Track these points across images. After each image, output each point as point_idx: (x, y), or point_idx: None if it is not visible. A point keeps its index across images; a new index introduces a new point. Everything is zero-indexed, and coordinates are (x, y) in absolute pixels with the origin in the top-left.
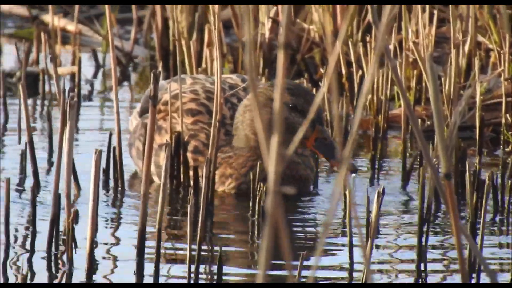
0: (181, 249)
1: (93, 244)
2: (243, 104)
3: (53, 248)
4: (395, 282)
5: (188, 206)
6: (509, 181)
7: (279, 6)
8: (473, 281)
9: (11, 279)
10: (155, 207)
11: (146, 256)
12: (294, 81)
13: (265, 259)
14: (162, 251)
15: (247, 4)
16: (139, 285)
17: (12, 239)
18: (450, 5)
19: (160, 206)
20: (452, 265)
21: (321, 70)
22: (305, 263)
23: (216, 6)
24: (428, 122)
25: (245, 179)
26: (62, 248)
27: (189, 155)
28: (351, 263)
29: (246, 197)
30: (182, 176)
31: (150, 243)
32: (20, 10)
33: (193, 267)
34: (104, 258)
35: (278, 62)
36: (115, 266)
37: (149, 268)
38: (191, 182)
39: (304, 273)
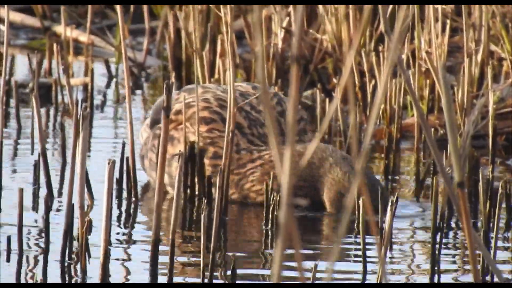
0: (195, 259)
1: (107, 254)
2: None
3: (66, 258)
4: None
5: (202, 216)
6: None
7: (292, 16)
8: None
9: None
10: (169, 217)
11: (159, 266)
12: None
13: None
14: (175, 261)
15: (259, 4)
16: None
17: (25, 249)
18: (463, 14)
19: (173, 216)
20: (466, 275)
21: (334, 80)
22: (318, 274)
23: (229, 17)
24: (441, 131)
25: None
26: (75, 258)
27: (206, 161)
28: (365, 271)
29: (259, 207)
30: (196, 186)
31: (164, 253)
32: (32, 21)
33: (206, 277)
34: (117, 268)
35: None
36: (129, 276)
37: (162, 278)
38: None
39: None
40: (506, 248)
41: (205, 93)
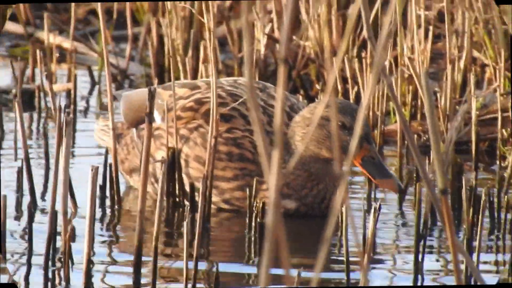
0: (178, 266)
1: (90, 261)
2: (295, 120)
3: (50, 265)
4: None
5: (185, 223)
6: (506, 197)
7: (275, 23)
8: None
9: None
10: (152, 223)
11: (143, 273)
12: (342, 99)
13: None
14: (159, 268)
15: None
16: None
17: (8, 256)
18: (446, 21)
19: (156, 223)
20: (449, 281)
21: (317, 86)
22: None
23: (212, 23)
24: (424, 138)
25: (306, 201)
26: (59, 265)
27: (232, 164)
28: (348, 279)
29: (241, 214)
30: (178, 192)
31: (147, 260)
32: (15, 27)
33: (190, 285)
34: (101, 275)
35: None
36: (112, 283)
37: (146, 286)
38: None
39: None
40: (489, 256)
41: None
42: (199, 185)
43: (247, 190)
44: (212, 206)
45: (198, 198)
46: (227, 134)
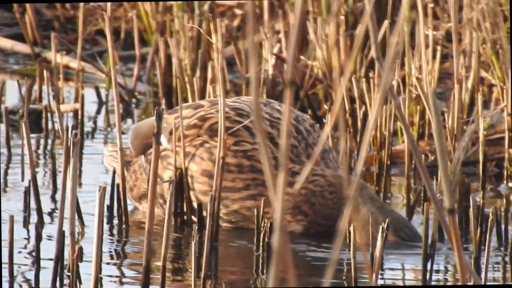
0: (187, 285)
1: (98, 281)
2: None
3: (57, 285)
4: None
5: (192, 243)
6: None
7: (283, 43)
8: None
9: None
10: (160, 244)
11: None
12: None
13: None
14: (167, 286)
15: None
16: None
17: (16, 276)
18: (454, 41)
19: (164, 243)
20: None
21: (325, 106)
22: None
23: (220, 43)
24: (432, 158)
25: (313, 224)
26: (66, 285)
27: (242, 176)
28: None
29: (250, 233)
30: (185, 212)
31: (155, 280)
32: (22, 47)
33: None
34: None
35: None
36: None
37: None
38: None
39: None
40: (496, 276)
41: (215, 106)
42: (207, 199)
43: (255, 210)
44: (221, 223)
45: (206, 216)
46: (235, 147)
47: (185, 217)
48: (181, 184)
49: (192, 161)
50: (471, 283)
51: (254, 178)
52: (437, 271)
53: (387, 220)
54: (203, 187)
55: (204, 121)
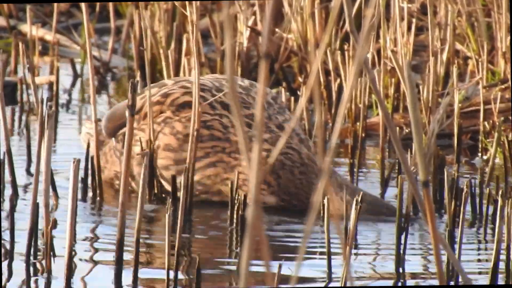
0: (159, 257)
1: (72, 253)
2: None
3: (31, 257)
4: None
5: (166, 215)
6: (488, 189)
7: (258, 15)
8: None
9: None
10: (133, 215)
11: (124, 265)
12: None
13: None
14: (140, 259)
15: None
16: None
17: None
18: (429, 13)
19: (138, 215)
20: (431, 274)
21: (300, 79)
22: (284, 271)
23: (194, 16)
24: (406, 130)
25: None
26: (40, 257)
27: (203, 144)
28: (330, 272)
29: (224, 206)
30: (156, 185)
31: (129, 252)
32: None
33: (171, 275)
34: (82, 266)
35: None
36: (94, 275)
37: (128, 277)
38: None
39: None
40: (471, 248)
41: (180, 82)
42: (168, 174)
43: (230, 183)
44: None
45: (170, 189)
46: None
47: (156, 190)
48: (151, 160)
49: (156, 138)
50: (445, 258)
51: (213, 146)
52: (412, 242)
53: (361, 193)
54: (165, 161)
55: (166, 97)
